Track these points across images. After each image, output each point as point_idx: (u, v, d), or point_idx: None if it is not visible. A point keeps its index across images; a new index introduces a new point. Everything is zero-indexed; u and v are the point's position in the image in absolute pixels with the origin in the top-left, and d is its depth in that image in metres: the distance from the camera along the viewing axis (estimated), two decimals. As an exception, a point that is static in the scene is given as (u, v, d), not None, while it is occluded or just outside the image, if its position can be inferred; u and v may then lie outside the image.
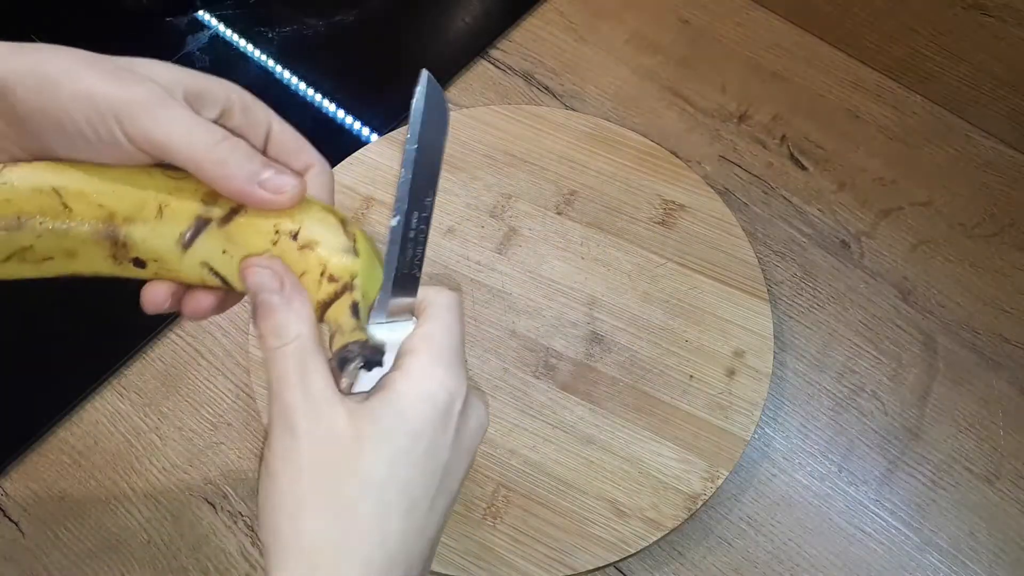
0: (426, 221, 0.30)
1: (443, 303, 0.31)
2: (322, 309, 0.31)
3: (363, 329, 0.31)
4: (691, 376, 0.54)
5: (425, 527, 0.29)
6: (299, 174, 0.31)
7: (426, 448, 0.29)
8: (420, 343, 0.30)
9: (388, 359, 0.30)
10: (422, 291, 0.32)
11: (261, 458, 0.29)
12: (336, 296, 0.31)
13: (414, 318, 0.31)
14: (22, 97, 0.25)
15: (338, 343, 0.30)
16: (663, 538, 0.49)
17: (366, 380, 0.30)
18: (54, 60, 0.26)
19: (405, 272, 0.31)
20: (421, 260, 0.31)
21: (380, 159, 0.61)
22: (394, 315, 0.31)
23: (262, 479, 0.28)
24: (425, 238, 0.31)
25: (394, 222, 0.30)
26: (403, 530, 0.28)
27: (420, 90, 0.29)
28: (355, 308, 0.31)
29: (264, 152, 0.31)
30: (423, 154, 0.29)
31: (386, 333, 0.30)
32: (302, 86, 0.67)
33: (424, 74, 0.29)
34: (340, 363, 0.31)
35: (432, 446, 0.29)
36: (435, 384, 0.29)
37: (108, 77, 0.26)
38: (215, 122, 0.30)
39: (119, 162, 0.29)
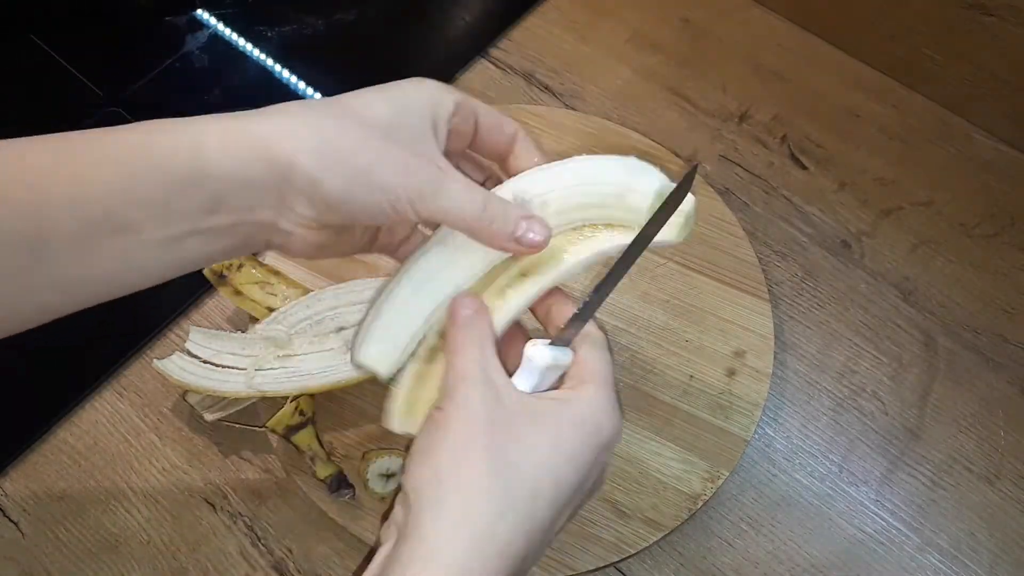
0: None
1: (597, 340, 0.35)
2: (290, 431, 0.49)
3: (334, 463, 0.49)
4: (691, 376, 0.54)
5: (552, 528, 0.31)
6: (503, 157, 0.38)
7: (581, 460, 0.32)
8: (592, 376, 0.34)
9: (551, 378, 0.34)
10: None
11: (428, 417, 0.33)
12: (302, 424, 0.49)
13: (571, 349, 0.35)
14: (332, 191, 0.31)
15: (323, 470, 0.49)
16: (663, 538, 0.49)
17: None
18: (359, 153, 0.31)
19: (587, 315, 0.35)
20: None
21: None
22: (559, 343, 0.35)
23: (427, 427, 0.32)
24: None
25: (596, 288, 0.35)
26: (545, 518, 0.30)
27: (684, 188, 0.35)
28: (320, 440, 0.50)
29: (475, 131, 0.36)
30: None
31: (555, 354, 0.34)
32: (302, 85, 0.67)
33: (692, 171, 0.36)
34: (337, 485, 0.49)
35: (582, 462, 0.32)
36: (606, 417, 0.33)
37: (400, 170, 0.32)
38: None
39: (398, 225, 0.37)
